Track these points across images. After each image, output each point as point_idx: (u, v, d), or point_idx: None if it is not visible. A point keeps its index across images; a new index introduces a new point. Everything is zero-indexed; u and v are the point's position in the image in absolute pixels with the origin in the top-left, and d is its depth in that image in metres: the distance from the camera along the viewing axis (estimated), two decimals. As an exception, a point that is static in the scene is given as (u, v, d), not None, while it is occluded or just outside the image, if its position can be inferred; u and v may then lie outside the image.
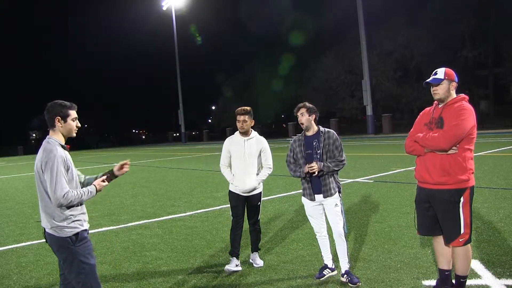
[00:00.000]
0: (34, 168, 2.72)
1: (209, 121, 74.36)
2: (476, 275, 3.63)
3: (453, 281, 3.32)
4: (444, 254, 3.29)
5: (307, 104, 3.90)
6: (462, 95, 3.21)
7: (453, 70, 3.26)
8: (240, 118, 4.28)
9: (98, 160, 26.40)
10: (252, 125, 4.34)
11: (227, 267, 4.19)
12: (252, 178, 4.28)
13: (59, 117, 2.73)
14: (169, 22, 52.83)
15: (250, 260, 4.44)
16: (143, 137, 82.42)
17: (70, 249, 2.65)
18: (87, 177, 3.00)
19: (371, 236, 5.06)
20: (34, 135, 75.98)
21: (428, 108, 3.40)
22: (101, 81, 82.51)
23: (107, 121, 78.31)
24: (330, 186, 3.77)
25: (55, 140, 2.72)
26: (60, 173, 2.58)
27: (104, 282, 4.07)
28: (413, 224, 3.55)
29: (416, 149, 3.28)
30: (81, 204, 2.76)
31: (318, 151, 3.79)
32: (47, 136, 2.75)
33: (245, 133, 4.34)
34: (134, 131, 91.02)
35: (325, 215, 3.91)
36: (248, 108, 4.33)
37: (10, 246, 5.76)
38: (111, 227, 6.54)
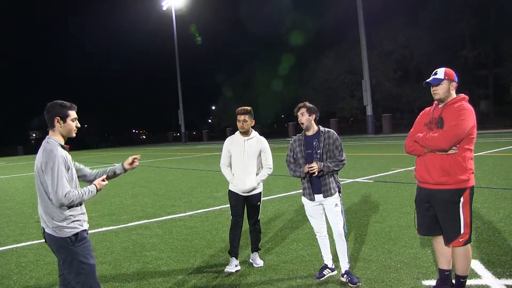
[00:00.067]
0: (34, 168, 2.72)
1: (209, 121, 74.38)
2: (476, 275, 3.63)
3: (453, 281, 3.32)
4: (444, 254, 3.29)
5: (307, 104, 3.90)
6: (462, 95, 3.21)
7: (453, 70, 3.26)
8: (241, 118, 4.28)
9: (98, 160, 26.41)
10: (252, 125, 4.34)
11: (227, 269, 4.19)
12: (252, 178, 4.28)
13: (59, 118, 2.73)
14: (169, 22, 52.87)
15: (250, 260, 4.44)
16: (144, 137, 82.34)
17: (69, 249, 2.65)
18: (94, 171, 3.07)
19: (371, 236, 5.05)
20: (34, 135, 75.98)
21: (428, 108, 3.40)
22: (101, 81, 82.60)
23: (107, 121, 78.32)
24: (330, 186, 3.77)
25: (54, 140, 2.72)
26: (61, 173, 2.58)
27: (104, 282, 4.07)
28: (413, 224, 3.55)
29: (416, 149, 3.28)
30: (81, 204, 2.76)
31: (318, 151, 3.79)
32: (47, 136, 2.75)
33: (245, 133, 4.34)
34: (134, 131, 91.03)
35: (325, 215, 3.91)
36: (249, 108, 4.33)
37: (10, 246, 5.77)
38: (111, 227, 6.54)
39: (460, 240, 3.10)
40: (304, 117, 3.84)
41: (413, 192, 3.56)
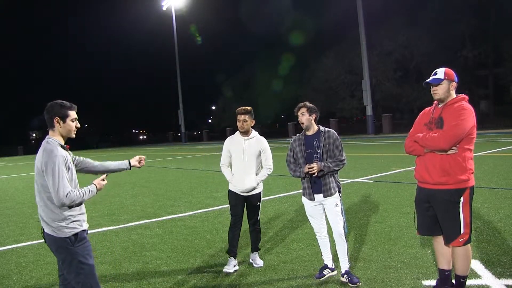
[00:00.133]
0: (34, 169, 2.72)
1: (209, 121, 74.36)
2: (476, 275, 3.63)
3: (453, 281, 3.32)
4: (444, 254, 3.29)
5: (307, 103, 3.89)
6: (462, 95, 3.20)
7: (453, 70, 3.25)
8: (241, 117, 4.28)
9: (98, 160, 26.34)
10: (252, 125, 4.34)
11: (225, 269, 4.19)
12: (252, 178, 4.27)
13: (58, 118, 2.73)
14: (169, 22, 52.87)
15: (250, 260, 4.44)
16: (144, 137, 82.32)
17: (69, 250, 2.65)
18: (106, 162, 3.20)
19: (371, 236, 5.05)
20: (34, 135, 75.99)
21: (428, 108, 3.40)
22: (101, 81, 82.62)
23: (107, 121, 78.33)
24: (330, 186, 3.76)
25: (54, 140, 2.72)
26: (62, 173, 2.58)
27: (104, 282, 4.07)
28: (413, 224, 3.55)
29: (416, 149, 3.28)
30: (80, 204, 2.76)
31: (318, 151, 3.79)
32: (47, 137, 2.75)
33: (245, 133, 4.34)
34: (134, 131, 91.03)
35: (325, 215, 3.91)
36: (249, 108, 4.33)
37: (10, 246, 5.77)
38: (111, 227, 6.54)
39: (460, 240, 3.10)
40: (304, 117, 3.84)
41: (413, 192, 3.56)
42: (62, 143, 2.77)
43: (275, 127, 60.29)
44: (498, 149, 14.39)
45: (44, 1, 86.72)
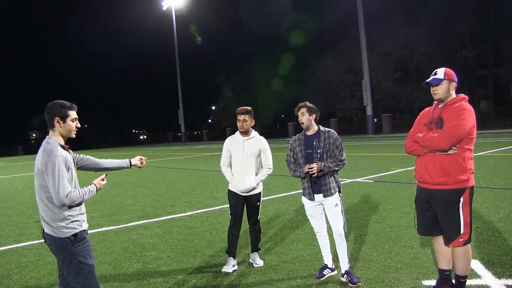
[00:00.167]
0: (34, 169, 2.72)
1: (209, 121, 74.37)
2: (476, 275, 3.63)
3: (453, 281, 3.32)
4: (444, 254, 3.29)
5: (307, 103, 3.89)
6: (462, 95, 3.21)
7: (453, 70, 3.25)
8: (240, 117, 4.28)
9: (98, 160, 26.37)
10: (252, 125, 4.34)
11: (224, 269, 4.19)
12: (251, 178, 4.27)
13: (58, 118, 2.73)
14: (169, 22, 52.87)
15: (250, 260, 4.44)
16: (144, 137, 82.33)
17: (68, 250, 2.65)
18: (107, 160, 3.23)
19: (371, 236, 5.05)
20: (34, 135, 75.97)
21: (428, 108, 3.40)
22: (101, 81, 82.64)
23: (107, 121, 78.32)
24: (330, 186, 3.76)
25: (54, 140, 2.72)
26: (62, 173, 2.58)
27: (104, 282, 4.07)
28: (413, 224, 3.55)
29: (416, 149, 3.28)
30: (80, 204, 2.76)
31: (319, 151, 3.79)
32: (47, 137, 2.75)
33: (245, 133, 4.34)
34: (134, 131, 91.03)
35: (325, 215, 3.91)
36: (249, 107, 4.33)
37: (10, 246, 5.76)
38: (111, 227, 6.54)
39: (460, 240, 3.10)
40: (305, 117, 3.84)
41: (413, 192, 3.56)
42: (62, 143, 2.77)
43: (276, 127, 60.29)
44: (498, 149, 14.39)
45: (44, 1, 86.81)
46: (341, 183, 3.97)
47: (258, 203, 4.37)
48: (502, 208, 5.86)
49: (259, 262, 4.35)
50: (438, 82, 3.18)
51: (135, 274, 4.32)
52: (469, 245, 3.16)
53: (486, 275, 3.62)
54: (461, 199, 3.09)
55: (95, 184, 2.82)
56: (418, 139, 3.21)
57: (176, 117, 55.94)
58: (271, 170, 4.41)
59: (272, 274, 4.05)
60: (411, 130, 3.38)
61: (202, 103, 72.19)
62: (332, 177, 3.80)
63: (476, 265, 3.84)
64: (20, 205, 9.37)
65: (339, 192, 3.85)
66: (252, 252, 4.44)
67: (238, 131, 4.40)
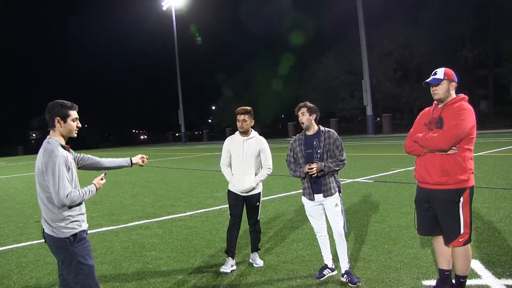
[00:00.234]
0: (35, 169, 2.72)
1: (209, 121, 74.38)
2: (476, 275, 3.63)
3: (453, 281, 3.32)
4: (444, 254, 3.29)
5: (308, 103, 3.89)
6: (462, 95, 3.21)
7: (453, 70, 3.25)
8: (240, 117, 4.28)
9: (98, 160, 26.37)
10: (252, 125, 4.34)
11: (222, 269, 4.19)
12: (251, 178, 4.27)
13: (59, 118, 2.72)
14: (169, 22, 52.89)
15: (250, 260, 4.44)
16: (145, 137, 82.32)
17: (68, 250, 2.65)
18: (108, 159, 3.23)
19: (371, 236, 5.06)
20: (34, 135, 75.98)
21: (427, 108, 3.40)
22: (101, 81, 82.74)
23: (107, 121, 78.35)
24: (330, 186, 3.76)
25: (55, 140, 2.71)
26: (63, 174, 2.58)
27: (104, 282, 4.07)
28: (413, 224, 3.55)
29: (415, 149, 3.28)
30: (80, 204, 2.76)
31: (319, 151, 3.79)
32: (48, 136, 2.74)
33: (244, 133, 4.34)
34: (134, 131, 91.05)
35: (325, 215, 3.91)
36: (248, 107, 4.33)
37: (10, 246, 5.76)
38: (111, 227, 6.54)
39: (460, 240, 3.10)
40: (305, 117, 3.84)
41: (413, 192, 3.56)
42: (63, 143, 2.76)
43: (275, 127, 60.29)
44: (498, 149, 14.39)
45: (44, 1, 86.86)
46: (341, 183, 3.97)
47: (258, 203, 4.37)
48: (502, 208, 5.86)
49: (259, 262, 4.35)
50: (438, 82, 3.18)
51: (135, 274, 4.32)
52: (469, 245, 3.16)
53: (486, 275, 3.62)
54: (461, 199, 3.09)
55: (94, 184, 2.82)
56: (418, 139, 3.21)
57: (176, 117, 55.95)
58: (271, 170, 4.41)
59: (272, 274, 4.05)
60: (411, 130, 3.38)
61: (202, 103, 72.30)
62: (332, 177, 3.80)
63: (476, 265, 3.84)
64: (20, 205, 9.37)
65: (339, 192, 3.85)
66: (252, 252, 4.44)
67: (237, 131, 4.40)
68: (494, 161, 11.10)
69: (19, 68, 75.00)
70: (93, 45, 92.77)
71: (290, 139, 4.22)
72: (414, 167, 3.42)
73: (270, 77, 47.11)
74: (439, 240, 3.30)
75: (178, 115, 52.90)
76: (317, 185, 3.79)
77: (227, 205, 4.46)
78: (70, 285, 2.75)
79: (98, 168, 3.14)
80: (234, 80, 54.72)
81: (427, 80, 3.25)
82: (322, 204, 3.85)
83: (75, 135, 2.84)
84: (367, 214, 6.20)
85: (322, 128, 3.89)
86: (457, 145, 3.07)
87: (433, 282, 3.50)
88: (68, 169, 2.67)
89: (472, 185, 3.14)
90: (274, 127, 60.04)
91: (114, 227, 6.54)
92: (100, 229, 6.43)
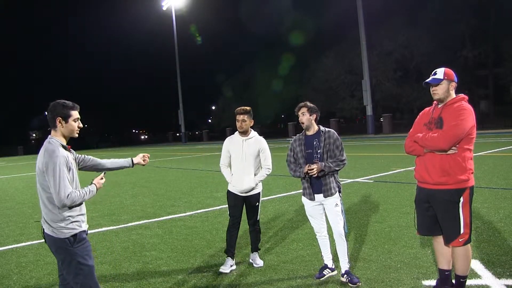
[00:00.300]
0: (35, 169, 2.72)
1: (209, 121, 74.38)
2: (476, 275, 3.63)
3: (453, 281, 3.32)
4: (444, 254, 3.29)
5: (308, 103, 3.89)
6: (462, 95, 3.21)
7: (453, 70, 3.26)
8: (240, 117, 4.28)
9: (98, 160, 26.38)
10: (251, 125, 4.34)
11: (222, 269, 4.20)
12: (250, 178, 4.27)
13: (60, 118, 2.72)
14: (169, 22, 52.87)
15: (250, 260, 4.44)
16: (145, 136, 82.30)
17: (68, 250, 2.65)
18: (109, 160, 3.24)
19: (371, 236, 5.06)
20: (34, 135, 76.00)
21: (427, 108, 3.40)
22: (101, 81, 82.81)
23: (107, 121, 78.34)
24: (330, 186, 3.76)
25: (56, 140, 2.71)
26: (63, 174, 2.58)
27: (104, 282, 4.07)
28: (413, 224, 3.55)
29: (415, 149, 3.28)
30: (80, 205, 2.76)
31: (319, 151, 3.79)
32: (49, 136, 2.74)
33: (244, 133, 4.34)
34: (134, 131, 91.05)
35: (325, 215, 3.91)
36: (248, 108, 4.33)
37: (10, 246, 5.77)
38: (111, 227, 6.54)
39: (460, 240, 3.10)
40: (305, 117, 3.84)
41: (413, 192, 3.56)
42: (64, 143, 2.76)
43: (275, 127, 60.28)
44: (498, 149, 14.39)
45: (44, 1, 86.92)
46: (341, 183, 3.97)
47: (258, 203, 4.37)
48: (502, 208, 5.86)
49: (259, 262, 4.35)
50: (437, 82, 3.18)
51: (135, 274, 4.32)
52: (469, 245, 3.16)
53: (486, 275, 3.62)
54: (461, 199, 3.09)
55: (95, 184, 2.83)
56: (418, 139, 3.21)
57: (176, 117, 55.95)
58: (270, 170, 4.41)
59: (272, 274, 4.05)
60: (411, 130, 3.38)
61: (202, 103, 72.32)
62: (332, 177, 3.80)
63: (476, 265, 3.84)
64: (20, 205, 9.38)
65: (339, 192, 3.85)
66: (252, 252, 4.44)
67: (237, 131, 4.40)
68: (494, 161, 11.10)
69: (19, 68, 75.18)
70: (93, 45, 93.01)
71: (290, 139, 4.22)
72: (414, 167, 3.42)
73: (270, 77, 47.11)
74: (439, 240, 3.30)
75: (178, 115, 52.89)
76: (317, 185, 3.79)
77: (227, 205, 4.46)
78: (70, 285, 2.75)
79: (99, 169, 3.14)
80: (234, 80, 54.72)
81: (427, 80, 3.25)
82: (322, 204, 3.85)
83: (77, 135, 2.83)
84: (367, 214, 6.20)
85: (322, 128, 3.89)
86: (457, 145, 3.07)
87: (433, 282, 3.50)
88: (69, 169, 2.67)
89: (472, 185, 3.14)
90: (274, 127, 60.01)
91: (114, 227, 6.54)
92: (100, 229, 6.43)
